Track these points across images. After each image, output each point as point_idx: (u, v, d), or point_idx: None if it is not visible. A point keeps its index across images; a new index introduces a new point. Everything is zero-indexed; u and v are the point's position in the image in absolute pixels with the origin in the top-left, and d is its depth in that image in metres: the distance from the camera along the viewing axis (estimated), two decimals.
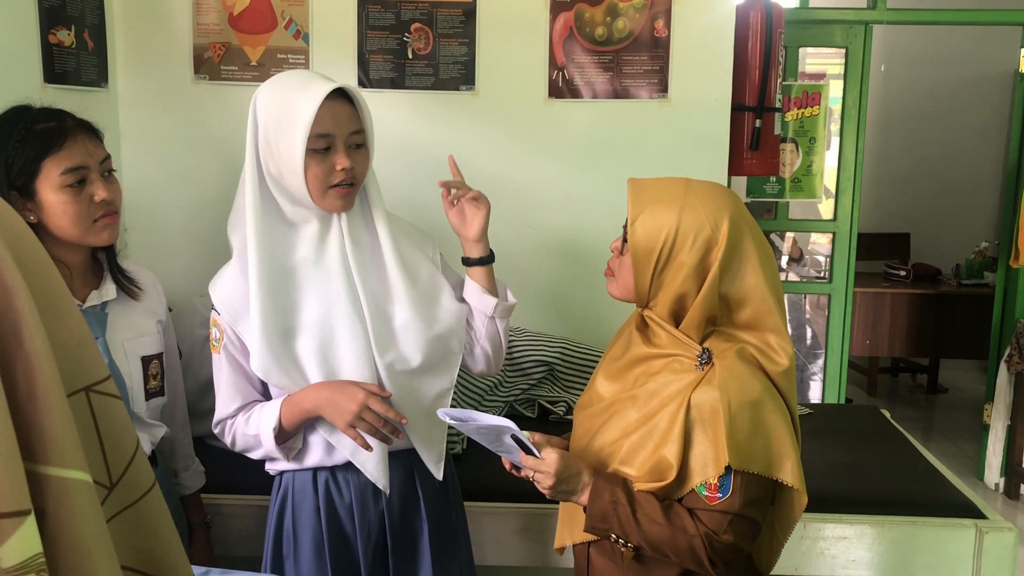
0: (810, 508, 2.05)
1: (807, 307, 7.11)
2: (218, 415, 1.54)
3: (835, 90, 3.51)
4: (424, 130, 2.71)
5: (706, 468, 1.27)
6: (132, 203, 2.64)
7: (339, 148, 1.44)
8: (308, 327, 1.47)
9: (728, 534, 1.27)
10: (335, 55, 2.71)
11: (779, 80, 2.88)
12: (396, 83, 2.72)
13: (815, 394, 5.24)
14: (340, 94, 1.45)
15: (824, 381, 3.69)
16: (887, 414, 2.76)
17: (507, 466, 1.42)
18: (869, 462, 2.33)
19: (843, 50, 3.46)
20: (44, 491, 0.53)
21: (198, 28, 2.71)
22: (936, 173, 5.84)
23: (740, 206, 1.35)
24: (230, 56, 2.72)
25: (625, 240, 1.36)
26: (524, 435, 1.31)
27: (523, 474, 1.38)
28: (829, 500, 2.09)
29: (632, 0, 2.69)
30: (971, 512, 2.05)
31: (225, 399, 1.53)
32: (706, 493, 1.27)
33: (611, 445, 1.36)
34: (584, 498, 1.31)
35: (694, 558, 1.28)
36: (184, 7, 2.70)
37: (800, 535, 2.02)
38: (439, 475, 1.57)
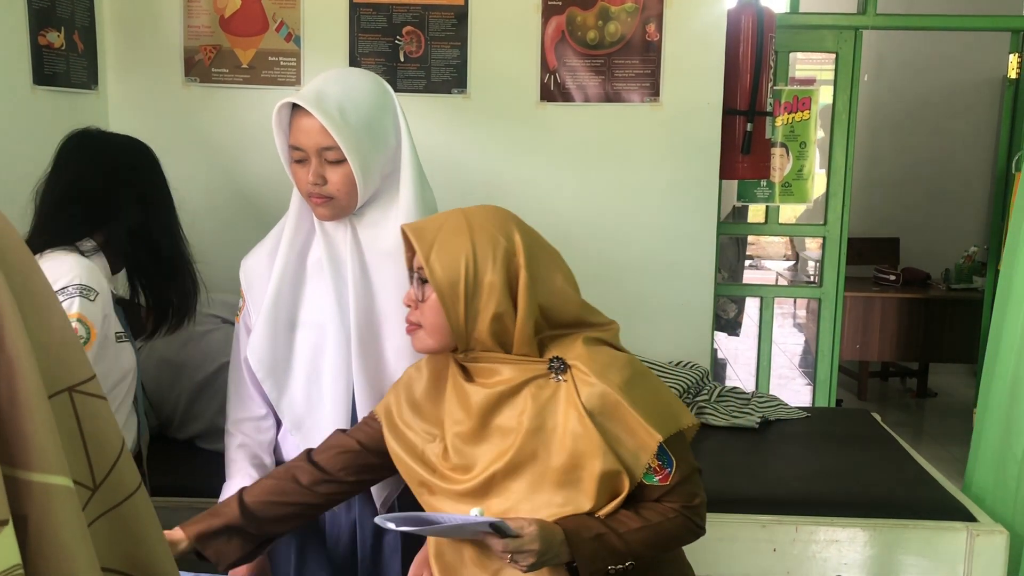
0: (802, 511, 2.06)
1: (797, 311, 7.14)
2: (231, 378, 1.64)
3: (825, 95, 3.52)
4: (416, 133, 2.68)
5: (639, 457, 1.23)
6: None
7: (310, 162, 1.46)
8: (307, 324, 1.53)
9: (696, 496, 1.29)
10: (326, 58, 2.70)
11: (770, 84, 2.89)
12: None
13: (805, 398, 5.25)
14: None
15: (814, 385, 3.69)
16: (878, 418, 2.77)
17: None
18: (860, 465, 2.34)
19: (833, 55, 3.47)
20: (27, 498, 0.51)
21: (189, 30, 2.70)
22: (926, 178, 5.86)
23: (518, 217, 1.35)
24: (221, 59, 2.71)
25: (424, 281, 1.28)
26: (502, 521, 1.19)
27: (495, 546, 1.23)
28: (821, 503, 2.10)
29: (624, 4, 2.69)
30: (962, 515, 2.05)
31: (235, 365, 1.62)
32: (657, 479, 1.25)
33: (545, 509, 1.25)
34: (567, 554, 1.22)
35: (685, 533, 1.29)
36: (175, 9, 2.69)
37: (792, 538, 2.02)
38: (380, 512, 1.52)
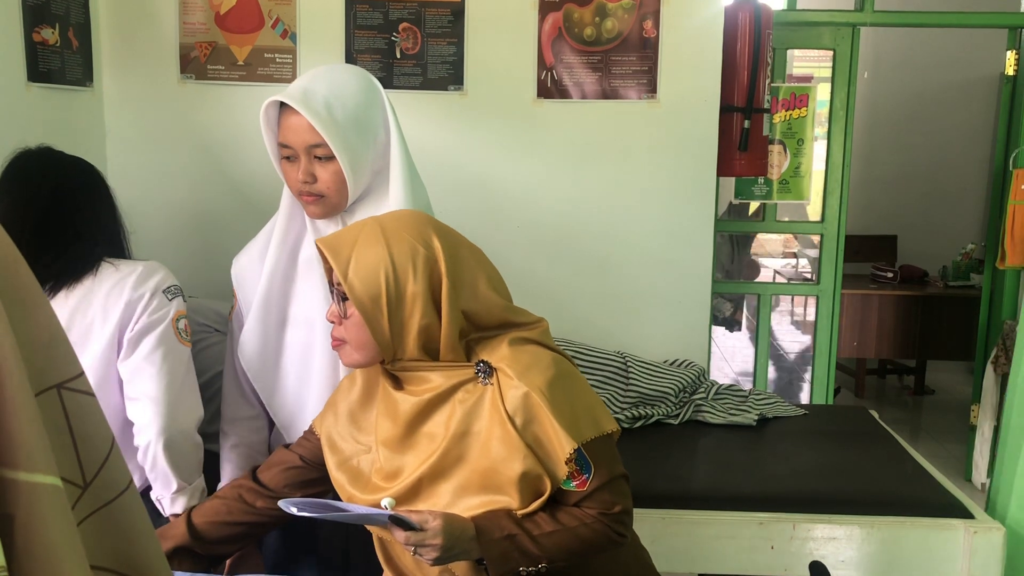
0: (800, 509, 2.06)
1: (795, 309, 7.14)
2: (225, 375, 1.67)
3: (823, 92, 3.51)
4: (412, 130, 2.67)
5: (557, 463, 1.22)
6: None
7: (299, 159, 1.45)
8: (297, 322, 1.53)
9: (616, 504, 1.26)
10: (322, 55, 2.69)
11: (767, 81, 2.88)
12: (384, 83, 2.65)
13: (803, 395, 5.25)
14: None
15: (812, 383, 3.69)
16: (875, 415, 2.77)
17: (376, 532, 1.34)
18: (858, 463, 2.33)
19: (831, 52, 3.47)
20: (13, 498, 0.51)
21: (184, 27, 2.69)
22: (923, 175, 5.87)
23: (435, 220, 1.31)
24: (216, 56, 2.70)
25: (344, 298, 1.25)
26: (403, 513, 1.18)
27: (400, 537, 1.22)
28: (818, 501, 2.09)
29: (621, 1, 2.68)
30: (960, 512, 2.05)
31: (228, 365, 1.64)
32: (574, 484, 1.23)
33: (470, 511, 1.24)
34: (477, 551, 1.20)
35: (603, 540, 1.27)
36: (170, 6, 2.68)
37: (790, 536, 2.02)
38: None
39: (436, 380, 1.26)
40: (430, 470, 1.24)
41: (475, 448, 1.24)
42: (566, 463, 1.21)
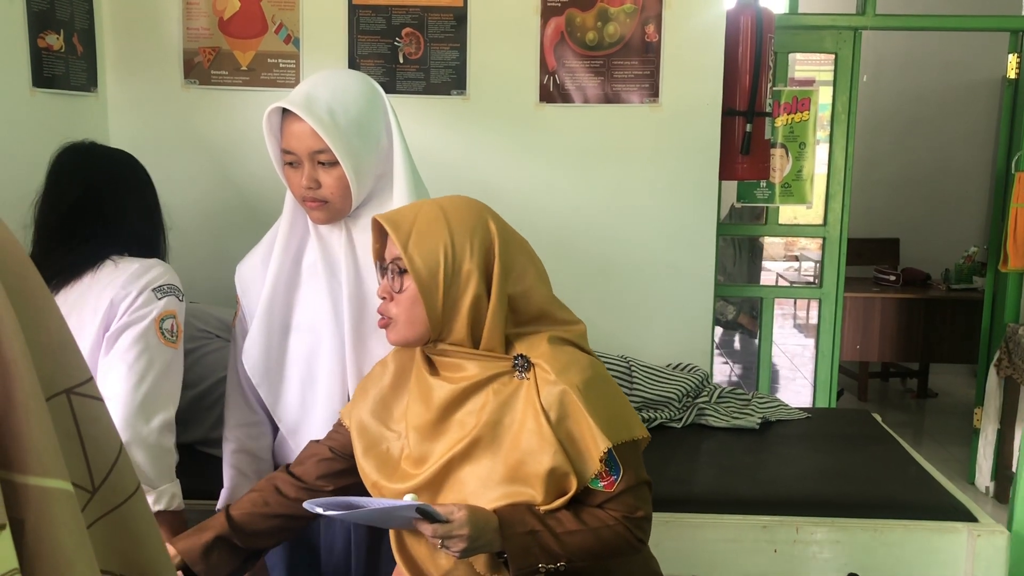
0: (803, 512, 2.06)
1: (797, 312, 7.14)
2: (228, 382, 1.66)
3: (825, 96, 3.52)
4: (415, 135, 2.68)
5: (587, 461, 1.23)
6: None
7: (302, 165, 1.46)
8: (301, 328, 1.53)
9: (639, 509, 1.27)
10: (326, 60, 2.70)
11: (769, 85, 2.89)
12: (387, 88, 2.69)
13: (805, 399, 5.24)
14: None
15: (815, 386, 3.69)
16: (878, 418, 2.76)
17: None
18: (861, 466, 2.33)
19: (832, 56, 3.47)
20: (24, 502, 0.51)
21: (188, 32, 2.70)
22: (925, 178, 5.87)
23: (489, 207, 1.35)
24: (220, 61, 2.71)
25: (402, 272, 1.27)
26: (429, 506, 1.18)
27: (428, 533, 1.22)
28: (821, 504, 2.09)
29: (623, 5, 2.69)
30: (963, 515, 2.05)
31: (231, 371, 1.64)
32: (602, 484, 1.25)
33: (492, 503, 1.24)
34: (499, 543, 1.21)
35: (623, 544, 1.27)
36: (174, 11, 2.69)
37: (793, 539, 2.02)
38: None
39: (472, 369, 1.28)
40: (459, 455, 1.26)
41: (506, 439, 1.25)
42: (599, 461, 1.22)
